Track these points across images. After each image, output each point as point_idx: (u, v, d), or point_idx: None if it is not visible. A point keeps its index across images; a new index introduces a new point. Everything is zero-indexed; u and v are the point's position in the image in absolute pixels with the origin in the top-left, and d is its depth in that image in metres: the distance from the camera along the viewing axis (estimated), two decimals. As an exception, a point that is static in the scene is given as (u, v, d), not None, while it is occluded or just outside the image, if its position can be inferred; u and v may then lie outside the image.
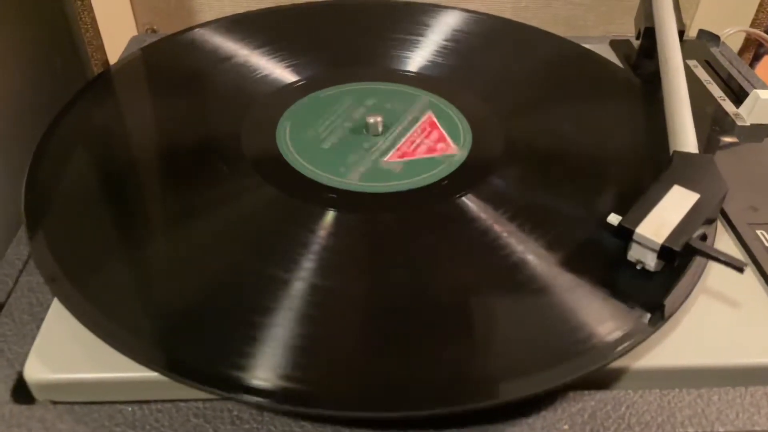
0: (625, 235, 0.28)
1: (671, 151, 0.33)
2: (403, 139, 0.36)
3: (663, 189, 0.29)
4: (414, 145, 0.36)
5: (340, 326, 0.27)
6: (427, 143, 0.36)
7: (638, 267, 0.28)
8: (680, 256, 0.27)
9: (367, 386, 0.25)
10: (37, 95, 0.45)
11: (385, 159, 0.35)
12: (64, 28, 0.52)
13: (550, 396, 0.26)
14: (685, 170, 0.30)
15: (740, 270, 0.27)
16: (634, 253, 0.28)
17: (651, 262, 0.28)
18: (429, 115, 0.37)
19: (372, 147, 0.36)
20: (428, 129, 0.37)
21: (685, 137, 0.33)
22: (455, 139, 0.36)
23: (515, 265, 0.29)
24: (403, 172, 0.34)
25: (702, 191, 0.29)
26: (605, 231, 0.29)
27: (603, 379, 0.27)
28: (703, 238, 0.30)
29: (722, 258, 0.27)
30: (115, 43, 0.52)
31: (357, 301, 0.28)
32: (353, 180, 0.33)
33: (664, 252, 0.27)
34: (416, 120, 0.38)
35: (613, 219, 0.28)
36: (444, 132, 0.37)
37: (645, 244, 0.27)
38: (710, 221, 0.29)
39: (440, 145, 0.36)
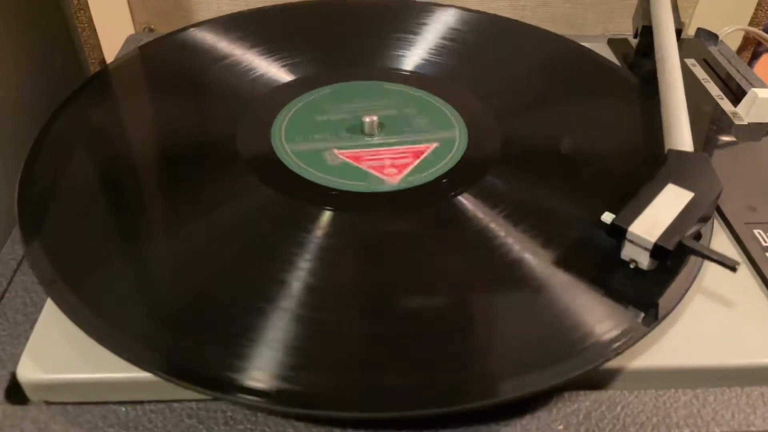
0: (618, 233, 0.28)
1: (666, 150, 0.33)
2: (380, 148, 0.36)
3: (657, 187, 0.29)
4: (376, 157, 0.35)
5: (335, 326, 0.27)
6: (385, 161, 0.35)
7: (631, 266, 0.28)
8: (673, 255, 0.27)
9: (360, 387, 0.25)
10: (36, 94, 0.45)
11: (335, 152, 0.35)
12: (63, 27, 0.52)
13: (544, 396, 0.26)
14: (680, 168, 0.30)
15: (733, 269, 0.27)
16: (628, 252, 0.28)
17: (644, 260, 0.27)
18: (431, 147, 0.36)
19: (367, 147, 0.36)
20: (410, 155, 0.35)
21: (681, 136, 0.33)
22: (447, 144, 0.36)
23: (510, 265, 0.29)
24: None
25: (696, 190, 0.29)
26: (599, 230, 0.28)
27: (598, 380, 0.27)
28: (697, 236, 0.30)
29: (715, 257, 0.27)
30: (113, 42, 0.52)
31: (352, 301, 0.28)
32: (348, 180, 0.33)
33: (657, 251, 0.27)
34: (415, 142, 0.36)
35: (607, 217, 0.28)
36: (414, 164, 0.34)
37: (638, 243, 0.27)
38: (705, 220, 0.29)
39: (389, 170, 0.34)
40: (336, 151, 0.35)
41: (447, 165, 0.34)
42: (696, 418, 0.26)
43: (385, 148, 0.36)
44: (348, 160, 0.35)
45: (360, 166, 0.34)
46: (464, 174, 0.34)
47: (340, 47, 0.45)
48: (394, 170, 0.34)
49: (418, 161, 0.35)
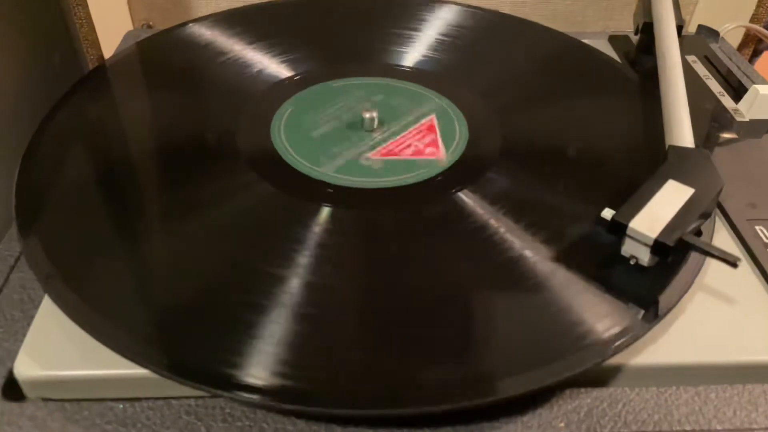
0: (618, 229, 0.28)
1: (667, 146, 0.32)
2: (397, 137, 0.36)
3: (657, 183, 0.29)
4: (403, 145, 0.35)
5: (334, 323, 0.27)
6: (417, 145, 0.35)
7: (632, 262, 0.28)
8: (674, 251, 0.27)
9: (361, 384, 0.25)
10: (35, 91, 0.45)
11: (369, 155, 0.35)
12: (61, 24, 0.52)
13: (546, 394, 0.26)
14: (681, 165, 0.30)
15: (734, 265, 0.27)
16: (628, 248, 0.28)
17: (644, 257, 0.27)
18: (431, 118, 0.37)
19: (366, 143, 0.36)
20: (424, 131, 0.36)
21: (682, 132, 0.33)
22: (449, 140, 0.36)
23: (511, 262, 0.29)
24: (384, 170, 0.34)
25: (697, 186, 0.29)
26: (600, 226, 0.28)
27: (599, 377, 0.27)
28: (698, 233, 0.29)
29: (716, 253, 0.27)
30: (111, 39, 0.52)
31: (351, 298, 0.28)
32: (349, 176, 0.33)
33: (658, 247, 0.27)
34: (417, 120, 0.37)
35: (607, 213, 0.28)
36: (439, 137, 0.36)
37: (638, 239, 0.27)
38: (705, 216, 0.29)
39: (429, 150, 0.35)
40: (369, 155, 0.35)
41: (448, 161, 0.34)
42: (698, 415, 0.25)
43: (398, 138, 0.36)
44: (388, 157, 0.35)
45: (403, 158, 0.34)
46: (465, 170, 0.34)
47: (340, 43, 0.44)
48: (433, 149, 0.35)
49: (439, 132, 0.36)
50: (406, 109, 0.38)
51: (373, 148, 0.35)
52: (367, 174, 0.33)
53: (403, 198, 0.32)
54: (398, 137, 0.36)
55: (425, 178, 0.33)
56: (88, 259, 0.29)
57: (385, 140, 0.36)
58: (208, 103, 0.39)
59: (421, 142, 0.35)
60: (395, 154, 0.35)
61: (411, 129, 0.36)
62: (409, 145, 0.35)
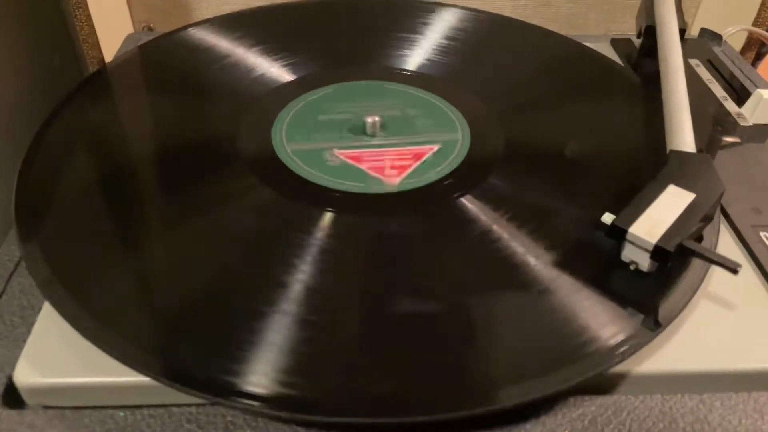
0: (618, 234, 0.27)
1: (668, 151, 0.32)
2: (381, 149, 0.35)
3: (658, 188, 0.29)
4: (374, 158, 0.34)
5: (335, 330, 0.27)
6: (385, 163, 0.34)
7: (632, 267, 0.28)
8: (674, 257, 0.26)
9: (363, 392, 0.25)
10: (35, 93, 0.45)
11: (336, 152, 0.34)
12: (61, 26, 0.52)
13: (550, 401, 0.26)
14: (681, 169, 0.30)
15: (734, 271, 0.26)
16: (628, 253, 0.28)
17: (644, 262, 0.27)
18: (431, 148, 0.35)
19: (368, 147, 0.36)
20: (410, 156, 0.35)
21: (683, 137, 0.33)
22: (450, 146, 0.36)
23: (514, 268, 0.29)
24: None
25: (698, 191, 0.29)
26: (599, 231, 0.28)
27: (604, 384, 0.26)
28: (699, 238, 0.29)
29: (716, 259, 0.27)
30: (112, 41, 0.52)
31: (352, 305, 0.28)
32: (350, 181, 0.33)
33: (657, 252, 0.26)
34: (416, 143, 0.36)
35: (607, 218, 0.28)
36: (414, 167, 0.34)
37: (638, 244, 0.27)
38: (706, 221, 0.29)
39: (390, 171, 0.34)
40: (336, 151, 0.35)
41: (450, 166, 0.34)
42: (703, 423, 0.25)
43: (387, 149, 0.35)
44: (347, 160, 0.34)
45: (360, 166, 0.34)
46: (467, 175, 0.34)
47: (341, 47, 0.44)
48: (394, 172, 0.34)
49: (418, 163, 0.34)
50: (410, 117, 0.38)
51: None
52: (364, 178, 0.33)
53: (406, 203, 0.32)
54: (384, 149, 0.35)
55: (425, 183, 0.33)
56: (88, 265, 0.29)
57: (372, 146, 0.36)
58: (210, 106, 0.39)
59: (395, 162, 0.34)
60: (357, 161, 0.34)
61: (405, 148, 0.35)
62: (382, 160, 0.34)
